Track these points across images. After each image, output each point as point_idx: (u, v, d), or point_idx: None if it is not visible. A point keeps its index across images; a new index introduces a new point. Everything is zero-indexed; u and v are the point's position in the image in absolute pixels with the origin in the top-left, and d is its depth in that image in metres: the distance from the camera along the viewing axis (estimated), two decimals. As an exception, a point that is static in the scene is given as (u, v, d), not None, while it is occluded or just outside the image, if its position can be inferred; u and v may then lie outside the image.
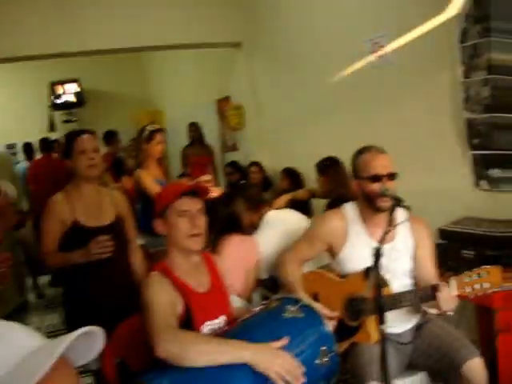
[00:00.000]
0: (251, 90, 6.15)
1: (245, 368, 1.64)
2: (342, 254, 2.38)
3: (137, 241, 2.91)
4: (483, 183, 3.16)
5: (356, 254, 2.31)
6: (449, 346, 2.19)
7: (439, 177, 3.47)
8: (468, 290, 2.05)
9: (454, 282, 2.06)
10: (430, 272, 2.33)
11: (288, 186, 4.88)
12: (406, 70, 3.70)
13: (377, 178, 2.23)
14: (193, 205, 1.98)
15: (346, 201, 2.50)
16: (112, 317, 2.14)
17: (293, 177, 5.09)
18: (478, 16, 2.99)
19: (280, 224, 3.18)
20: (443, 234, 2.94)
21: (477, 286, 2.04)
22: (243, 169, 6.02)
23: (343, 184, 3.65)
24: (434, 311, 2.20)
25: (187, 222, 1.95)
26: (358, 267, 2.25)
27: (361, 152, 2.34)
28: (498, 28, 2.90)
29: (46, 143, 7.03)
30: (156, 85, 9.62)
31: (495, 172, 3.08)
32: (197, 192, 2.03)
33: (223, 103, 6.99)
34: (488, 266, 2.06)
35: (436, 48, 3.39)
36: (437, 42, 3.35)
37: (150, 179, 3.80)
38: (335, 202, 2.93)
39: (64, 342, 0.74)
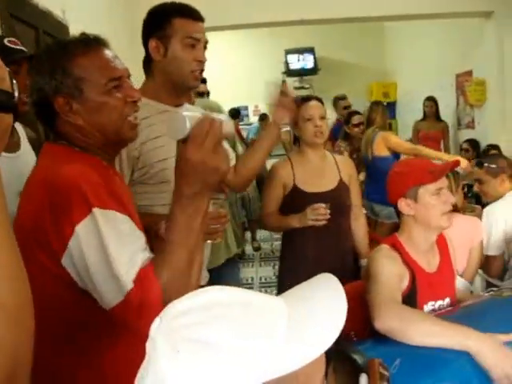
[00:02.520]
0: (498, 64, 5.63)
1: (464, 356, 1.51)
2: None
3: (361, 207, 2.84)
4: None
5: None
6: None
7: None
8: None
9: None
10: None
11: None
12: None
13: None
14: (445, 182, 1.91)
15: None
16: None
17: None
18: None
19: None
20: None
21: None
22: (479, 148, 5.67)
23: None
24: None
25: (440, 200, 1.88)
26: None
27: None
28: None
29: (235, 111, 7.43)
30: (392, 56, 9.37)
31: None
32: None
33: (464, 77, 6.60)
34: None
35: None
36: None
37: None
38: None
39: None
